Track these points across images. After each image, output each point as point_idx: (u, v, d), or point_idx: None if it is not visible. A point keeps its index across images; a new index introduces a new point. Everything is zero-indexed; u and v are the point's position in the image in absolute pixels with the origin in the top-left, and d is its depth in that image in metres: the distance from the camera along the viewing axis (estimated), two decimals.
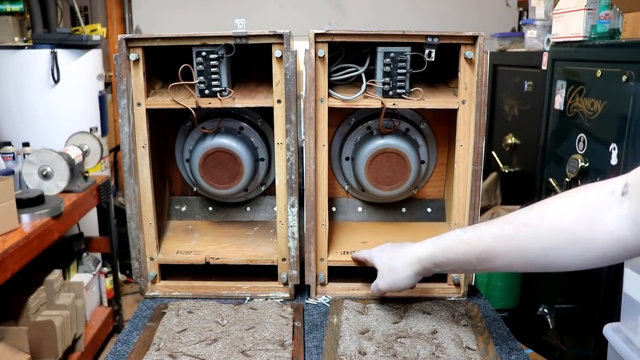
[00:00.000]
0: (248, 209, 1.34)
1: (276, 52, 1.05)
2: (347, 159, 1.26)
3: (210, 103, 1.09)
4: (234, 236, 1.25)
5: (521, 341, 1.27)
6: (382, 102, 1.09)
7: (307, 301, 1.16)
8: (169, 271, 1.20)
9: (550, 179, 1.97)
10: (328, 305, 1.13)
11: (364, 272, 1.18)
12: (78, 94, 2.71)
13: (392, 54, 1.08)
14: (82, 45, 2.69)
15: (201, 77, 1.07)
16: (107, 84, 3.20)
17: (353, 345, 0.93)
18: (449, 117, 1.19)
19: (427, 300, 1.12)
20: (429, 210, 1.32)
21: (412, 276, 0.97)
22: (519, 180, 2.51)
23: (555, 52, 1.98)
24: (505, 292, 2.33)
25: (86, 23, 3.45)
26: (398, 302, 1.11)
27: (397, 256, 0.99)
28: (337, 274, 1.18)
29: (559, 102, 1.92)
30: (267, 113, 1.19)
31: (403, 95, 1.09)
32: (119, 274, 2.80)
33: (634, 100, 1.53)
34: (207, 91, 1.09)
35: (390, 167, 1.19)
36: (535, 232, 0.78)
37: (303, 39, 1.08)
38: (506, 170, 2.60)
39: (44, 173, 2.14)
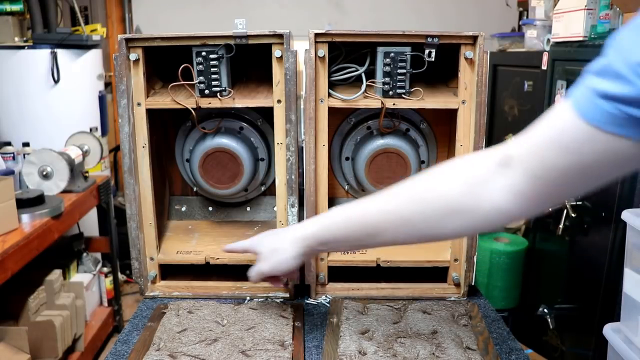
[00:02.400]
0: (248, 209, 1.34)
1: (276, 52, 1.05)
2: (347, 159, 1.26)
3: (210, 103, 1.09)
4: (234, 236, 1.25)
5: (521, 341, 1.27)
6: (382, 102, 1.09)
7: (307, 301, 1.16)
8: (169, 271, 1.20)
9: None
10: (328, 305, 1.13)
11: (364, 272, 1.18)
12: (78, 94, 2.70)
13: (392, 54, 1.07)
14: (82, 45, 2.68)
15: (201, 77, 1.07)
16: (107, 84, 3.20)
17: (353, 345, 0.93)
18: (449, 117, 1.19)
19: (427, 300, 1.12)
20: None
21: (296, 256, 0.92)
22: None
23: (555, 52, 1.98)
24: (505, 292, 2.33)
25: (86, 23, 3.45)
26: (398, 302, 1.11)
27: (280, 237, 0.95)
28: (337, 274, 1.18)
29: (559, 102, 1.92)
30: (267, 113, 1.19)
31: (403, 95, 1.09)
32: (119, 274, 2.79)
33: None
34: (207, 91, 1.08)
35: (390, 167, 1.19)
36: (422, 204, 0.79)
37: (303, 39, 1.08)
38: None
39: (44, 173, 2.13)
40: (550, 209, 0.75)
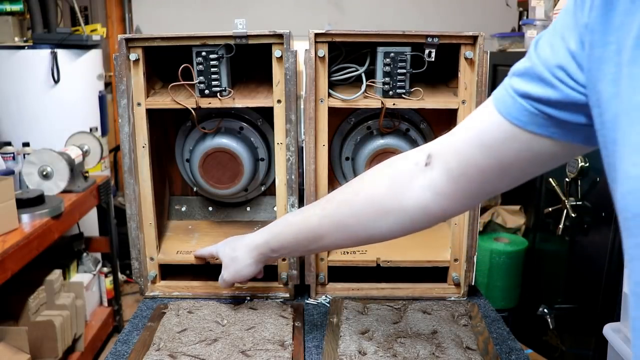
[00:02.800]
0: (248, 209, 1.34)
1: (276, 52, 1.05)
2: (347, 159, 1.26)
3: (210, 103, 1.09)
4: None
5: (521, 341, 1.27)
6: (382, 102, 1.09)
7: (307, 301, 1.16)
8: (169, 271, 1.20)
9: (550, 179, 1.97)
10: (328, 305, 1.13)
11: (364, 272, 1.18)
12: (78, 94, 2.71)
13: (392, 54, 1.07)
14: (82, 45, 2.69)
15: (201, 77, 1.07)
16: (107, 84, 3.20)
17: (353, 345, 0.93)
18: (449, 117, 1.19)
19: (427, 300, 1.12)
20: None
21: (252, 264, 0.98)
22: None
23: None
24: (505, 292, 2.33)
25: (86, 23, 3.45)
26: (398, 302, 1.11)
27: (238, 246, 1.00)
28: (337, 274, 1.18)
29: None
30: (267, 113, 1.19)
31: (403, 95, 1.09)
32: (119, 274, 2.79)
33: None
34: (207, 91, 1.08)
35: None
36: (353, 207, 0.81)
37: (303, 39, 1.07)
38: None
39: (44, 173, 2.14)
40: (474, 206, 0.79)
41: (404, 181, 0.75)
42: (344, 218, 0.82)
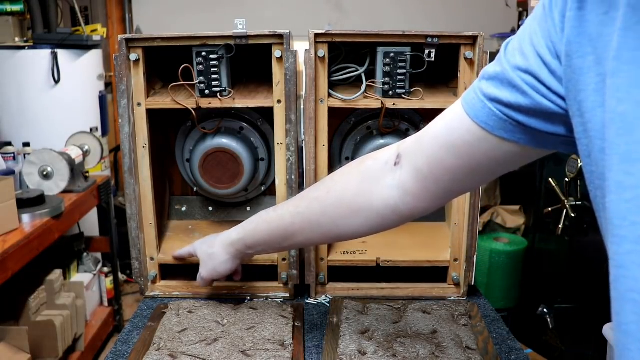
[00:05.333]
0: (248, 209, 1.34)
1: (276, 52, 1.05)
2: (347, 159, 1.26)
3: (210, 103, 1.10)
4: None
5: (521, 341, 1.27)
6: (382, 102, 1.09)
7: (307, 301, 1.16)
8: (169, 271, 1.20)
9: (550, 179, 1.98)
10: (328, 305, 1.14)
11: (364, 272, 1.18)
12: (78, 94, 2.71)
13: (392, 54, 1.08)
14: (83, 46, 2.69)
15: (201, 77, 1.08)
16: (108, 84, 3.20)
17: (353, 345, 0.94)
18: None
19: (427, 300, 1.13)
20: None
21: (228, 260, 0.99)
22: (519, 180, 2.52)
23: None
24: (505, 292, 2.33)
25: (86, 23, 3.45)
26: (398, 302, 1.11)
27: (215, 243, 1.01)
28: (337, 274, 1.18)
29: None
30: (267, 113, 1.19)
31: (403, 95, 1.09)
32: (120, 273, 2.80)
33: None
34: (207, 91, 1.09)
35: None
36: (324, 205, 0.82)
37: (303, 39, 1.08)
38: None
39: (45, 173, 2.14)
40: (443, 205, 0.82)
41: (374, 180, 0.76)
42: (315, 216, 0.83)
